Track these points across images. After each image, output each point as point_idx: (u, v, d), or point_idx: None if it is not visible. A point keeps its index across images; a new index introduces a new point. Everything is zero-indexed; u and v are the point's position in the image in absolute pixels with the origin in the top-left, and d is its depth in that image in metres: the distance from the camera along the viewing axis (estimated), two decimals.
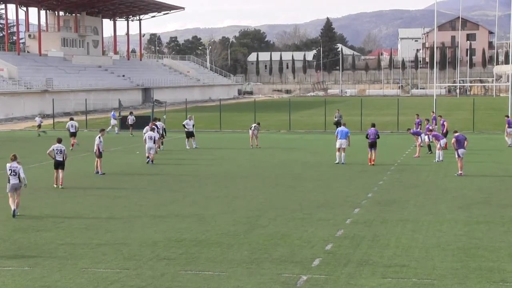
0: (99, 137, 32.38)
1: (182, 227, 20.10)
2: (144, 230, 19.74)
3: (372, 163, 34.72)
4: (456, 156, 31.07)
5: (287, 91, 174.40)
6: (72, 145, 43.25)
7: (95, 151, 32.16)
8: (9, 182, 22.21)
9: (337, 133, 35.52)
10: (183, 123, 44.85)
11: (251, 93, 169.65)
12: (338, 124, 53.58)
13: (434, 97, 65.71)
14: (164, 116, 60.89)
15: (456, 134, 31.68)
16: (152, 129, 37.85)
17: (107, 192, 26.82)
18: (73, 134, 44.60)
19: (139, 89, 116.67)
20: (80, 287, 14.27)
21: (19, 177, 22.24)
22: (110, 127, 57.42)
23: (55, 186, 28.34)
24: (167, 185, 28.73)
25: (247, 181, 29.78)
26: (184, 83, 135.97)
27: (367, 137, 35.25)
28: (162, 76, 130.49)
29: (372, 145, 34.91)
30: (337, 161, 35.27)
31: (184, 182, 29.42)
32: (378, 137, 35.36)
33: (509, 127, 45.63)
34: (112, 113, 60.24)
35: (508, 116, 47.01)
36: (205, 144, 46.12)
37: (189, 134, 44.12)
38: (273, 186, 28.33)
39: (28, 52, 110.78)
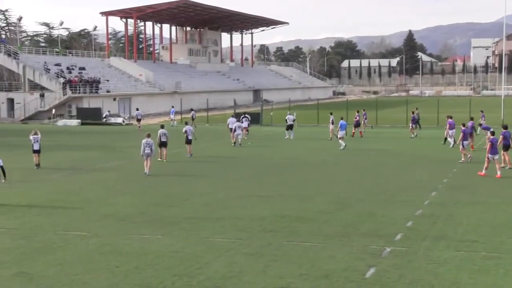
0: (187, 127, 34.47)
1: (285, 205, 20.10)
2: (254, 207, 19.84)
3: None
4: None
5: (374, 92, 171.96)
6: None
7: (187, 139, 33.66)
8: (144, 151, 27.11)
9: (340, 125, 37.92)
10: (286, 118, 45.90)
11: (343, 93, 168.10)
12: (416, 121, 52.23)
13: (502, 97, 64.86)
14: (271, 113, 61.02)
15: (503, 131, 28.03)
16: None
17: (222, 176, 27.09)
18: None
19: (250, 91, 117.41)
20: (202, 253, 14.47)
21: (150, 149, 27.05)
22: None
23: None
24: (270, 171, 28.79)
25: (339, 168, 29.56)
26: (287, 85, 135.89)
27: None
28: (270, 80, 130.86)
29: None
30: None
31: (284, 169, 29.45)
32: None
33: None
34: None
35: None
36: (304, 136, 46.03)
37: (289, 127, 44.91)
38: (361, 172, 28.00)
39: (161, 60, 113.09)
